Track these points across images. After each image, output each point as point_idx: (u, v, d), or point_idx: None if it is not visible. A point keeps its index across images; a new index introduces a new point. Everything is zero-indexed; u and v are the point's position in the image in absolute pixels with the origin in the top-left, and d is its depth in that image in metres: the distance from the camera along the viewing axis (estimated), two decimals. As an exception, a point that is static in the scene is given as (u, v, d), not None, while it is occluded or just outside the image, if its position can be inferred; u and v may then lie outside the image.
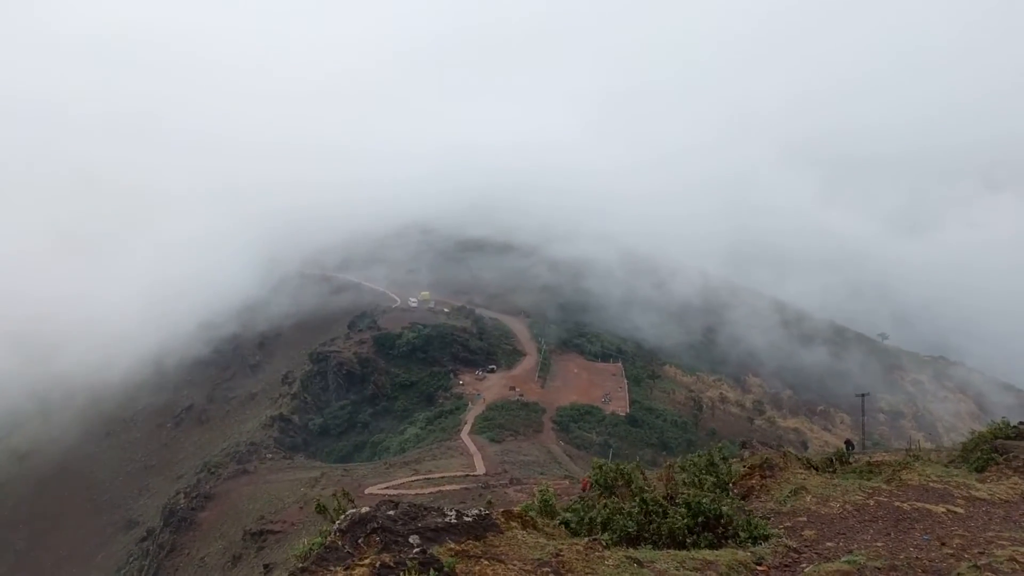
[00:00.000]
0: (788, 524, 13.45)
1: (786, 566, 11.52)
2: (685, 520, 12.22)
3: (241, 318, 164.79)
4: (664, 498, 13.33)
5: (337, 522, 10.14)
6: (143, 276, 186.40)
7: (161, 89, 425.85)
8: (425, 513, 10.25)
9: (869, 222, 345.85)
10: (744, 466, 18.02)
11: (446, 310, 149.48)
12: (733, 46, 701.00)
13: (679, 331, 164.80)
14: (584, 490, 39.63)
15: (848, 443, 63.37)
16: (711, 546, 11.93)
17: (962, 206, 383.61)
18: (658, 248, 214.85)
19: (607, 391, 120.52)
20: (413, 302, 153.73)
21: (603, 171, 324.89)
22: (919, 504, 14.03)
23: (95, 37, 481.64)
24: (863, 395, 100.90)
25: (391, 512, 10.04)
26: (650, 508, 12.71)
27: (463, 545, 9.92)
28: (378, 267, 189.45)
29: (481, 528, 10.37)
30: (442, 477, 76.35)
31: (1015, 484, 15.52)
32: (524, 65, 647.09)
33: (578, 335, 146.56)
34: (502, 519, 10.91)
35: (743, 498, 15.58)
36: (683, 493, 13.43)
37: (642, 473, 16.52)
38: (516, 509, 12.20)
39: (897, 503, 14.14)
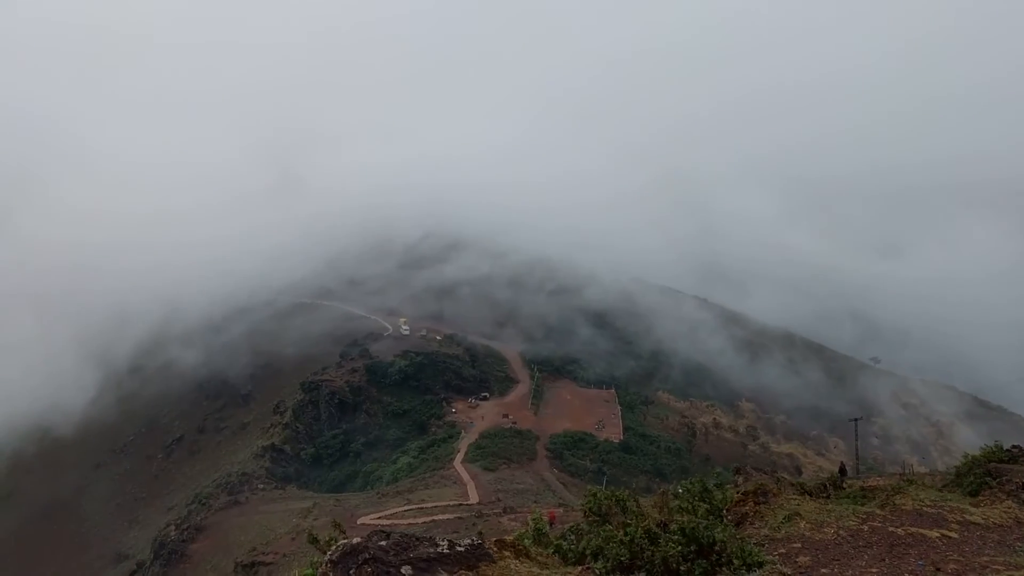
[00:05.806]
0: (783, 550, 13.38)
1: (781, 593, 11.45)
2: (679, 547, 12.16)
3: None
4: (658, 525, 13.25)
5: (329, 553, 10.06)
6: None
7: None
8: (417, 543, 10.17)
9: (842, 243, 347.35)
10: (738, 492, 17.95)
11: (438, 337, 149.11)
12: (691, 61, 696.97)
13: (668, 356, 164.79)
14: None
15: (842, 468, 63.22)
16: (705, 574, 11.84)
17: (935, 226, 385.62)
18: (642, 272, 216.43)
19: (600, 418, 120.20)
20: (405, 330, 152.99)
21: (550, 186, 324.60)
22: (913, 529, 13.98)
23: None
24: (856, 419, 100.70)
25: (383, 542, 9.97)
26: (641, 536, 12.64)
27: None
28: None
29: (474, 558, 10.30)
30: (435, 506, 75.97)
31: (1009, 508, 15.50)
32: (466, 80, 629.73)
33: (570, 362, 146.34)
34: (495, 548, 10.85)
35: (737, 524, 15.50)
36: (677, 520, 13.35)
37: (636, 501, 16.43)
38: (509, 538, 12.12)
39: (891, 528, 14.09)
